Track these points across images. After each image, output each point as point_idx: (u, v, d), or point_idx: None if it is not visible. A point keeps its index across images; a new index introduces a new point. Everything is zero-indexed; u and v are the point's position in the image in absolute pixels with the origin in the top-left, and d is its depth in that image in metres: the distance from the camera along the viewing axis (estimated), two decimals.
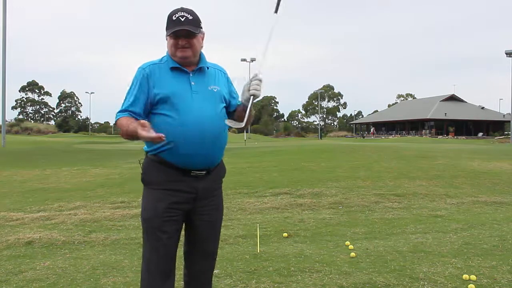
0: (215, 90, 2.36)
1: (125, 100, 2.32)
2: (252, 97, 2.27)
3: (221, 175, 2.49)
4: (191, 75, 2.33)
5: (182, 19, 2.25)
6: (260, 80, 2.28)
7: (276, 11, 2.38)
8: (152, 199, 2.31)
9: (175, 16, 2.26)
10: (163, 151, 2.26)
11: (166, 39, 2.33)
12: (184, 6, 2.33)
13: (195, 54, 2.33)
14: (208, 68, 2.41)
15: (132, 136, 2.17)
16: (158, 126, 2.26)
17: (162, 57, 2.38)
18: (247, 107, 2.28)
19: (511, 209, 6.53)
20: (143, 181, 2.37)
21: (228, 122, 2.28)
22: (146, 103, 2.28)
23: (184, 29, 2.24)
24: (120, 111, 2.30)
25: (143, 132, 2.05)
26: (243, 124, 2.27)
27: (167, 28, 2.28)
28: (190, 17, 2.27)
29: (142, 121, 2.10)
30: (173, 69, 2.31)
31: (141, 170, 2.37)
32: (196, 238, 2.41)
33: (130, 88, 2.32)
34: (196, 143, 2.24)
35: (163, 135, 2.06)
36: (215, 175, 2.41)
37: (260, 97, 2.30)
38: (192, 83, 2.31)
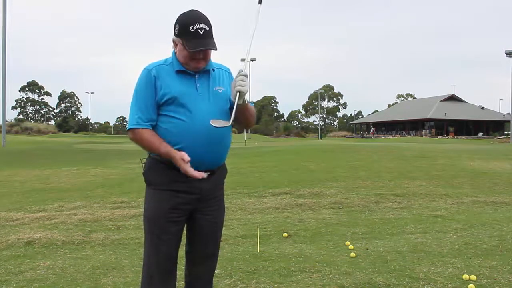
0: (220, 91, 2.34)
1: (136, 105, 2.26)
2: (238, 93, 2.23)
3: (224, 176, 2.48)
4: (196, 77, 2.30)
5: (201, 32, 2.18)
6: (246, 76, 2.25)
7: (260, 2, 2.36)
8: (155, 200, 2.30)
9: (192, 28, 2.18)
10: None
11: (173, 41, 2.29)
12: (195, 10, 2.25)
13: (207, 63, 2.30)
14: (213, 69, 2.38)
15: (164, 156, 2.21)
16: (164, 127, 2.25)
17: (167, 58, 2.34)
18: (233, 104, 2.26)
19: (511, 209, 6.53)
20: (147, 181, 2.35)
21: (212, 122, 2.20)
22: (155, 104, 2.25)
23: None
24: (139, 122, 2.23)
25: (187, 169, 2.17)
26: (229, 123, 2.24)
27: (183, 37, 2.20)
28: (207, 28, 2.20)
29: (183, 154, 2.16)
30: (178, 71, 2.28)
31: (144, 170, 2.35)
32: (199, 239, 2.41)
33: (139, 91, 2.27)
34: (202, 144, 2.23)
35: (205, 175, 2.21)
36: (218, 175, 2.41)
37: (246, 92, 2.25)
38: (198, 85, 2.29)
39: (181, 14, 2.26)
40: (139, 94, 2.27)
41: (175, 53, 2.32)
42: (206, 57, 2.27)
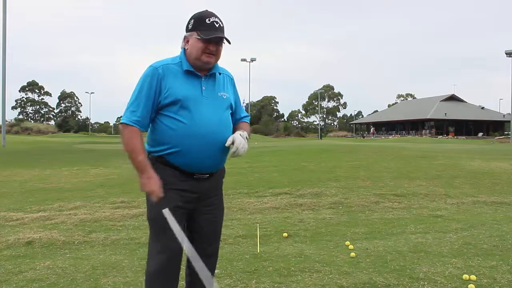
0: (224, 97, 2.36)
1: (133, 101, 2.25)
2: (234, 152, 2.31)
3: (222, 175, 2.51)
4: (203, 79, 2.31)
5: (217, 25, 2.25)
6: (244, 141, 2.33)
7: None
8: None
9: (209, 20, 2.24)
10: (169, 153, 2.25)
11: (185, 39, 2.30)
12: (210, 10, 2.32)
13: (217, 61, 2.34)
14: (219, 74, 2.40)
15: (137, 165, 2.22)
16: (166, 128, 2.25)
17: (175, 57, 2.33)
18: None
19: (511, 209, 6.53)
20: None
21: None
22: (153, 107, 2.25)
23: (220, 37, 2.24)
24: (128, 118, 2.23)
25: (150, 187, 2.21)
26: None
27: (198, 29, 2.24)
28: (222, 25, 2.28)
29: (155, 176, 2.21)
30: (186, 72, 2.28)
31: None
32: (199, 238, 2.41)
33: (140, 88, 2.25)
34: (203, 147, 2.24)
35: (160, 195, 2.22)
36: (217, 175, 2.43)
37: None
38: (203, 88, 2.30)
39: (195, 13, 2.31)
40: (139, 94, 2.26)
41: (185, 51, 2.31)
42: (218, 53, 2.29)
